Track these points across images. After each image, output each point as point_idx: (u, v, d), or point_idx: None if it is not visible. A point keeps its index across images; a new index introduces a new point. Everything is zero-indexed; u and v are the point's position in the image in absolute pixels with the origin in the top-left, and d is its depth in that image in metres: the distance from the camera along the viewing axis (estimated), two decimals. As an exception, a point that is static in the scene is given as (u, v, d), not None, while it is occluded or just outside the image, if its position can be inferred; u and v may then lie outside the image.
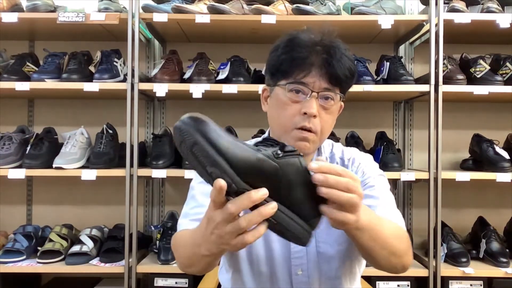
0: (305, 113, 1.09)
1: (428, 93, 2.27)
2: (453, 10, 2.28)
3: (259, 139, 1.27)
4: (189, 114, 0.75)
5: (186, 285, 2.29)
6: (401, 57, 2.55)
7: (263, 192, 0.75)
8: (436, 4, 2.27)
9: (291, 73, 1.10)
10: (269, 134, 1.26)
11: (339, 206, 0.82)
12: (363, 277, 1.32)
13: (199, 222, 1.07)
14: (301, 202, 0.80)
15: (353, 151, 1.27)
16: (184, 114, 0.76)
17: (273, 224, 0.78)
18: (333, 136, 2.37)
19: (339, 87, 1.12)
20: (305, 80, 1.09)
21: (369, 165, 1.23)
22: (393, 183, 2.69)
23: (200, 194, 1.16)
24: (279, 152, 0.78)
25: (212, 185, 0.76)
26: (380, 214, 1.08)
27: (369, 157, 1.28)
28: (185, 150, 0.76)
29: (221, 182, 0.73)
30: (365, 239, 0.93)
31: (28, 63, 2.43)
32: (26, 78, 2.36)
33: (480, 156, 2.43)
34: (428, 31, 2.31)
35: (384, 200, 1.16)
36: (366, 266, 1.26)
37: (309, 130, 1.10)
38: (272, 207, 0.76)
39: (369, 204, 1.12)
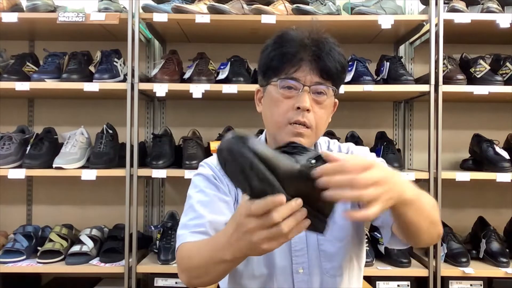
0: (298, 108, 1.09)
1: (428, 93, 2.27)
2: (453, 10, 2.28)
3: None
4: (233, 132, 0.76)
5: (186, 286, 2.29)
6: (401, 57, 2.55)
7: (300, 202, 0.77)
8: (436, 4, 2.27)
9: (282, 69, 1.11)
10: (265, 134, 1.26)
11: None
12: (363, 277, 1.32)
13: (201, 234, 1.06)
14: (322, 200, 0.81)
15: (349, 145, 1.29)
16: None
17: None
18: (333, 136, 2.37)
19: (331, 81, 1.12)
20: (296, 75, 1.10)
21: (367, 156, 1.25)
22: (393, 183, 2.69)
23: (199, 205, 1.14)
24: (312, 161, 0.80)
25: (247, 193, 0.77)
26: None
27: (366, 148, 1.29)
28: (231, 169, 0.76)
29: (282, 198, 0.75)
30: (411, 213, 0.93)
31: (28, 63, 2.43)
32: (26, 78, 2.36)
33: (480, 156, 2.43)
34: (428, 31, 2.31)
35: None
36: (369, 262, 1.25)
37: (304, 125, 1.10)
38: (304, 213, 0.78)
39: None
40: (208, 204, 1.12)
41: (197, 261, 1.00)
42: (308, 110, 1.09)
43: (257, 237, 0.79)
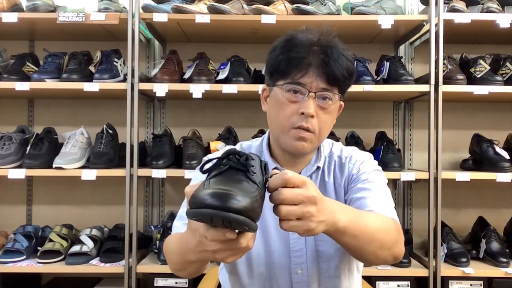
0: (302, 113, 1.09)
1: (428, 93, 2.27)
2: (453, 10, 2.28)
3: (259, 139, 1.28)
4: (210, 194, 0.73)
5: (186, 285, 2.29)
6: (401, 57, 2.55)
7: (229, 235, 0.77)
8: (436, 4, 2.27)
9: (288, 74, 1.10)
10: (268, 134, 1.26)
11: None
12: (363, 277, 1.32)
13: None
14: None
15: (351, 150, 1.27)
16: (202, 194, 0.74)
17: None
18: (333, 136, 2.37)
19: (337, 87, 1.12)
20: (302, 80, 1.09)
21: (365, 161, 1.23)
22: (393, 183, 2.69)
23: None
24: (268, 179, 0.83)
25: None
26: (370, 205, 1.09)
27: (368, 155, 1.28)
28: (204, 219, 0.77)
29: (233, 235, 0.77)
30: (347, 238, 0.94)
31: (28, 63, 2.43)
32: (26, 78, 2.36)
33: (480, 156, 2.43)
34: (428, 31, 2.31)
35: (376, 191, 1.15)
36: (365, 266, 1.26)
37: (307, 130, 1.10)
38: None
39: (361, 196, 1.13)
40: None
41: (171, 257, 1.06)
42: (312, 116, 1.09)
43: (220, 255, 0.80)
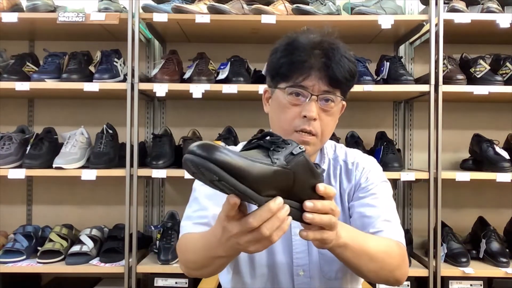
0: (304, 116, 1.09)
1: (428, 93, 2.27)
2: (453, 10, 2.28)
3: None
4: (197, 143, 0.74)
5: (186, 285, 2.29)
6: (401, 57, 2.55)
7: (280, 201, 0.78)
8: (436, 4, 2.27)
9: (290, 77, 1.10)
10: None
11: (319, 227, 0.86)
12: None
13: (204, 226, 1.08)
14: (301, 192, 0.84)
15: (356, 154, 1.26)
16: (191, 145, 0.75)
17: None
18: (333, 136, 2.36)
19: (339, 89, 1.12)
20: (304, 83, 1.09)
21: (373, 170, 1.23)
22: (393, 183, 2.69)
23: (203, 197, 1.16)
24: (289, 157, 0.81)
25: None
26: (378, 226, 1.10)
27: (373, 160, 1.27)
28: (202, 179, 0.77)
29: (235, 200, 0.76)
30: (348, 255, 0.96)
31: (28, 63, 2.43)
32: (26, 78, 2.36)
33: (480, 156, 2.43)
34: (428, 31, 2.31)
35: (384, 210, 1.16)
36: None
37: (309, 133, 1.10)
38: (286, 210, 0.79)
39: (369, 214, 1.13)
40: (213, 197, 1.12)
41: (192, 256, 1.03)
42: (314, 119, 1.09)
43: (242, 241, 0.80)
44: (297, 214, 0.84)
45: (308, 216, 0.83)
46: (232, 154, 0.73)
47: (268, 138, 0.84)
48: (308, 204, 0.83)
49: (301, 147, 0.83)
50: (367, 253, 0.99)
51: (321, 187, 0.85)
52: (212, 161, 0.71)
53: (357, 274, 1.07)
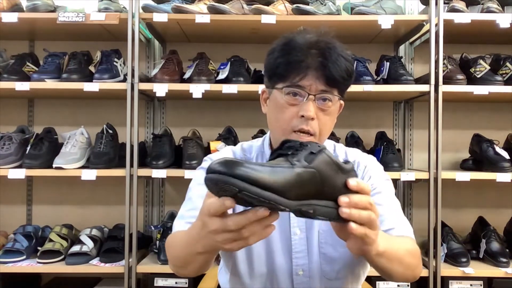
0: (302, 116, 1.09)
1: (428, 93, 2.27)
2: (453, 10, 2.28)
3: (260, 140, 1.28)
4: (218, 161, 0.73)
5: (186, 285, 2.29)
6: (401, 57, 2.55)
7: (261, 212, 0.75)
8: (436, 4, 2.27)
9: (287, 77, 1.10)
10: (269, 135, 1.26)
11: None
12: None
13: None
14: (333, 190, 0.82)
15: (356, 153, 1.27)
16: (211, 163, 0.73)
17: (309, 214, 0.80)
18: (333, 136, 2.37)
19: (337, 88, 1.12)
20: (301, 83, 1.09)
21: (375, 168, 1.23)
22: (393, 183, 2.65)
23: (197, 197, 1.15)
24: (310, 157, 0.80)
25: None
26: (389, 224, 1.11)
27: (373, 159, 1.27)
28: (226, 195, 0.75)
29: (264, 213, 0.75)
30: (383, 262, 0.96)
31: (28, 63, 2.43)
32: (26, 78, 2.36)
33: (480, 156, 2.43)
34: (428, 31, 2.31)
35: (391, 208, 1.17)
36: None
37: (308, 133, 1.10)
38: (267, 221, 0.77)
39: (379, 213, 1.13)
40: None
41: (176, 252, 1.04)
42: (312, 118, 1.09)
43: (220, 238, 0.79)
44: (333, 213, 0.81)
45: (345, 210, 0.80)
46: (250, 164, 0.72)
47: (286, 145, 0.84)
48: (343, 199, 0.81)
49: (320, 145, 0.82)
50: (397, 257, 1.00)
51: (352, 181, 0.82)
52: (230, 174, 0.71)
53: (384, 276, 1.08)
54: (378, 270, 1.02)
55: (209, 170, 0.73)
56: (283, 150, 0.82)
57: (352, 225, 0.81)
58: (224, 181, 0.71)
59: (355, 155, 1.26)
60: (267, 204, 0.73)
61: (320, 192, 0.80)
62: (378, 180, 1.20)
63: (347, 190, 0.82)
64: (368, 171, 1.21)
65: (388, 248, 0.95)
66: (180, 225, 1.13)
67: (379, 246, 0.89)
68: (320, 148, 0.81)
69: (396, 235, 1.10)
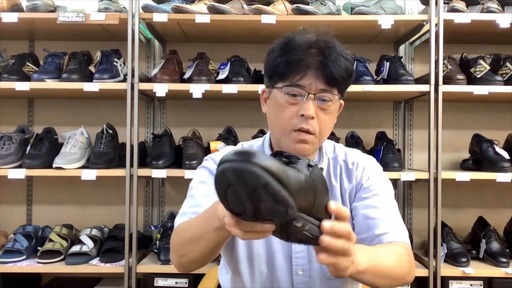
0: (302, 115, 1.09)
1: (428, 93, 2.27)
2: (453, 10, 2.28)
3: (260, 139, 1.28)
4: (234, 151, 0.68)
5: (186, 285, 2.29)
6: (401, 57, 2.55)
7: (268, 227, 0.75)
8: (436, 4, 2.27)
9: (287, 76, 1.10)
10: (269, 135, 1.26)
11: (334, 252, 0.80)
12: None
13: None
14: (319, 208, 0.79)
15: (356, 154, 1.27)
16: (226, 154, 0.68)
17: (297, 229, 0.76)
18: (333, 136, 2.37)
19: (336, 88, 1.12)
20: (301, 82, 1.09)
21: (374, 169, 1.23)
22: (393, 183, 2.66)
23: (200, 195, 1.16)
24: (309, 168, 0.77)
25: (246, 213, 0.72)
26: (382, 227, 1.10)
27: (373, 160, 1.27)
28: (240, 192, 0.68)
29: (270, 227, 0.74)
30: (366, 277, 0.94)
31: (28, 63, 2.43)
32: (26, 78, 2.36)
33: (480, 156, 2.43)
34: (428, 31, 2.31)
35: (387, 210, 1.16)
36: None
37: (308, 132, 1.10)
38: (268, 229, 0.75)
39: (373, 216, 1.13)
40: (209, 196, 1.12)
41: (187, 237, 1.03)
42: (312, 117, 1.09)
43: (236, 232, 0.78)
44: (316, 232, 0.77)
45: (326, 239, 0.77)
46: (271, 159, 0.67)
47: (284, 154, 0.81)
48: (326, 224, 0.77)
49: (313, 161, 0.80)
50: (382, 271, 0.98)
51: (332, 204, 0.79)
52: (259, 165, 0.65)
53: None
54: (362, 283, 1.02)
55: (226, 160, 0.67)
56: (283, 158, 0.79)
57: (321, 256, 0.79)
58: (250, 172, 0.64)
59: (354, 155, 1.26)
60: (282, 209, 0.68)
61: (311, 208, 0.77)
62: (376, 182, 1.20)
63: (326, 212, 0.79)
64: (367, 172, 1.22)
65: (372, 265, 0.93)
66: (183, 220, 1.13)
67: (360, 266, 0.87)
68: (316, 163, 0.80)
69: (389, 240, 1.10)
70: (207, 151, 2.38)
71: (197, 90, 2.25)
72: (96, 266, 2.26)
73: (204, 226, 0.95)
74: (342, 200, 1.21)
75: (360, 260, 0.87)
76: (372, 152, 2.46)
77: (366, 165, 1.23)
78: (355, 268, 0.86)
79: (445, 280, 2.27)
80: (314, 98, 1.10)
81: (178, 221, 1.15)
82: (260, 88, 2.17)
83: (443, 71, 2.30)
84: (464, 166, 2.53)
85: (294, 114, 1.10)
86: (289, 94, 1.11)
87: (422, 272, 2.26)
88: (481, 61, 2.36)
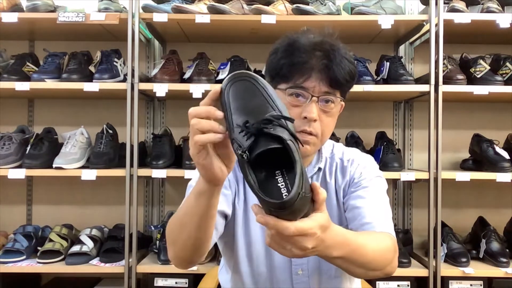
0: (305, 117, 1.09)
1: (428, 93, 2.27)
2: (453, 10, 2.28)
3: None
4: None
5: (186, 285, 2.29)
6: (401, 57, 2.55)
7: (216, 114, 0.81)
8: (436, 4, 2.27)
9: (291, 78, 1.10)
10: None
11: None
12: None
13: None
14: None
15: (353, 152, 1.27)
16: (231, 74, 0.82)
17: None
18: (333, 136, 2.37)
19: (339, 90, 1.12)
20: (305, 84, 1.09)
21: (367, 166, 1.23)
22: (393, 183, 2.69)
23: None
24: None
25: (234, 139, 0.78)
26: (367, 217, 1.10)
27: (369, 158, 1.27)
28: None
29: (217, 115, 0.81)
30: (339, 263, 0.93)
31: (28, 63, 2.43)
32: (26, 78, 2.36)
33: (480, 156, 2.43)
34: (428, 31, 2.31)
35: (375, 201, 1.15)
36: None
37: (310, 134, 1.10)
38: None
39: (359, 205, 1.13)
40: None
41: (175, 218, 1.02)
42: (315, 120, 1.09)
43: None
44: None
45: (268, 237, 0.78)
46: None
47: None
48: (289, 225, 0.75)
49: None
50: (360, 260, 0.95)
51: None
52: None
53: (346, 272, 1.05)
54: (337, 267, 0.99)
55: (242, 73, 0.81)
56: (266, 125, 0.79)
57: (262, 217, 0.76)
58: (256, 79, 0.80)
59: (351, 154, 1.26)
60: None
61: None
62: (368, 176, 1.20)
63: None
64: (360, 168, 1.22)
65: (347, 254, 0.90)
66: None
67: (333, 254, 0.86)
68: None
69: (372, 230, 1.09)
70: (207, 151, 2.37)
71: (197, 90, 2.25)
72: (96, 266, 2.26)
73: (187, 203, 0.95)
74: (336, 196, 1.21)
75: (332, 251, 0.86)
76: (372, 152, 2.46)
77: (361, 162, 1.24)
78: (325, 256, 0.86)
79: (445, 280, 2.27)
80: (317, 100, 1.10)
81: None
82: (260, 88, 2.17)
83: (443, 71, 2.30)
84: (464, 166, 2.53)
85: (297, 116, 1.10)
86: (292, 95, 1.11)
87: (422, 272, 2.26)
88: (481, 61, 2.36)
